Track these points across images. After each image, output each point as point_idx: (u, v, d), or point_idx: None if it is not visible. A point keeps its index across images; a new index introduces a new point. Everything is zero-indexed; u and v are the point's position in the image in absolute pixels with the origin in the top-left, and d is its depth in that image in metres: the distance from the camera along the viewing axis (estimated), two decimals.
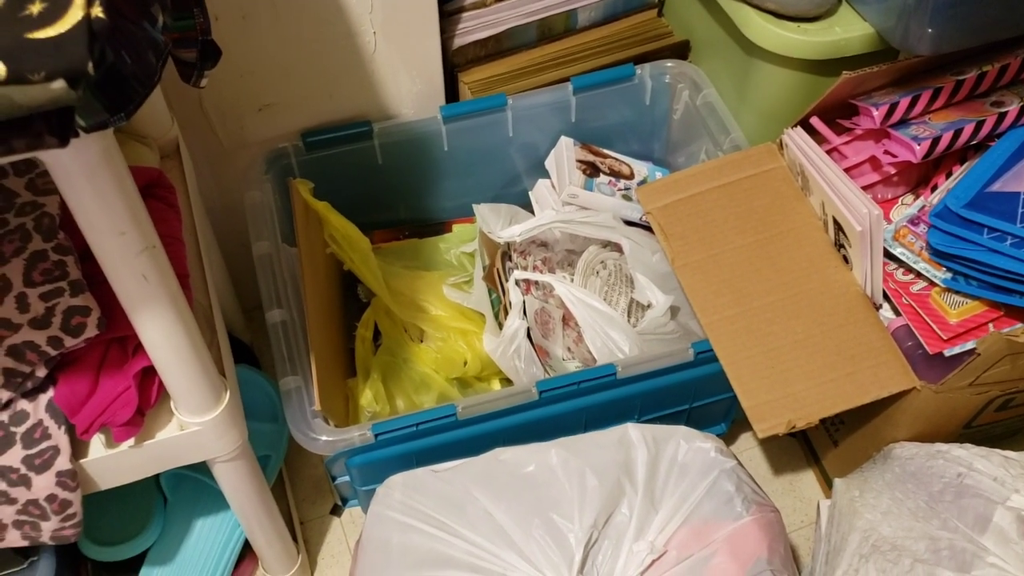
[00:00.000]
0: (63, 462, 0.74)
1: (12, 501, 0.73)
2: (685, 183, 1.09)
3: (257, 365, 1.27)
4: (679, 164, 1.29)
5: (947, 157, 1.04)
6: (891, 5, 0.98)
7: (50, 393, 0.74)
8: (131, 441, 0.78)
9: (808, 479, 1.25)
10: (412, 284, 1.23)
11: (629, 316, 1.10)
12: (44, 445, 0.73)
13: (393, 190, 1.26)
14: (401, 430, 0.96)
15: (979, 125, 0.98)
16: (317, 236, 1.15)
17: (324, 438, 0.93)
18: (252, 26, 1.02)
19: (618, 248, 1.14)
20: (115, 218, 0.59)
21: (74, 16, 0.42)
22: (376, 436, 0.95)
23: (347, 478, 1.03)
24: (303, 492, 1.23)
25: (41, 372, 0.73)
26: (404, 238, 1.32)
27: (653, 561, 0.86)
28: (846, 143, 1.06)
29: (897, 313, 0.99)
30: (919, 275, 0.98)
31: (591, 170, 1.23)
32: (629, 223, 1.19)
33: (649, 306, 1.07)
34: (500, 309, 1.16)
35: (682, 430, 0.95)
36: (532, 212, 1.29)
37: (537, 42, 1.24)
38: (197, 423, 0.79)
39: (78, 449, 0.77)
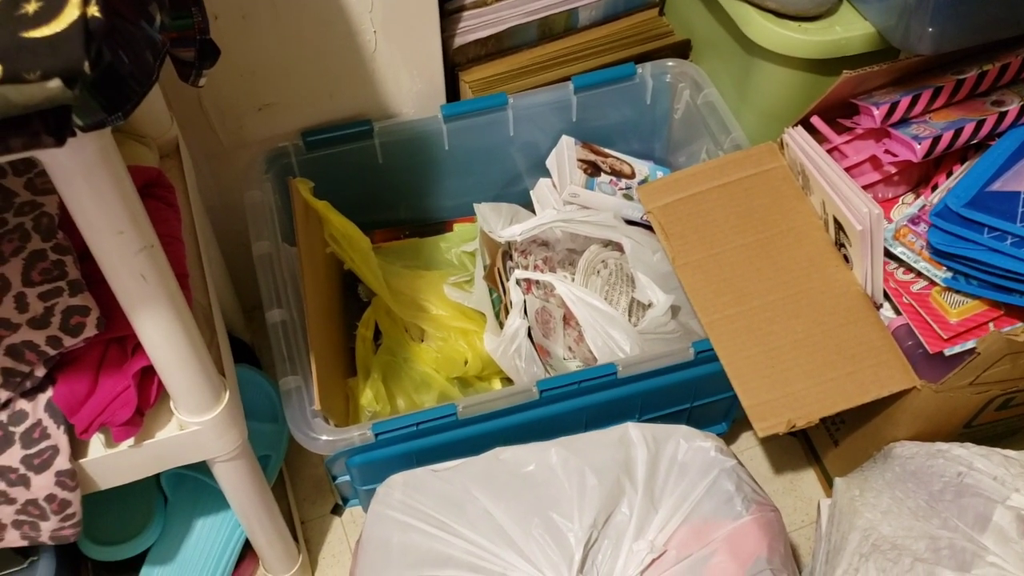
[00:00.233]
0: (62, 462, 0.74)
1: (11, 501, 0.73)
2: (686, 182, 1.09)
3: (258, 365, 1.27)
4: (680, 163, 1.29)
5: (947, 156, 1.04)
6: (892, 4, 0.98)
7: (49, 393, 0.74)
8: (130, 441, 0.78)
9: (809, 478, 1.25)
10: (413, 283, 1.23)
11: (630, 315, 1.10)
12: (43, 445, 0.73)
13: (394, 189, 1.26)
14: (401, 430, 0.95)
15: (979, 124, 0.98)
16: (317, 235, 1.15)
17: (324, 438, 0.93)
18: (252, 25, 1.02)
19: (619, 247, 1.14)
20: (113, 217, 0.59)
21: (70, 15, 0.42)
22: (376, 436, 0.95)
23: (347, 478, 1.03)
24: (304, 491, 1.23)
25: (40, 372, 0.73)
26: (405, 237, 1.32)
27: (653, 560, 0.86)
28: (847, 142, 1.06)
29: (897, 312, 0.99)
30: (919, 274, 0.98)
31: (592, 169, 1.23)
32: (630, 222, 1.19)
33: (650, 305, 1.07)
34: (501, 308, 1.16)
35: (682, 429, 0.95)
36: (533, 211, 1.29)
37: (538, 41, 1.24)
38: (197, 423, 0.79)
39: (77, 449, 0.77)
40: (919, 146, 0.96)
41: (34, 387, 0.74)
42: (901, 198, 1.07)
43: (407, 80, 1.15)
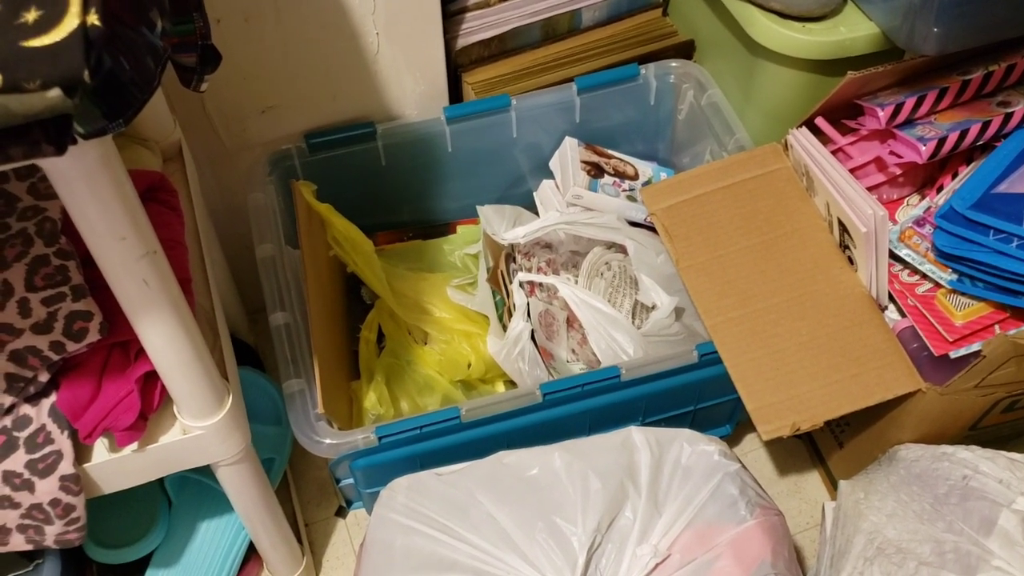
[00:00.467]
0: (66, 467, 0.74)
1: (16, 505, 0.74)
2: (689, 184, 1.09)
3: (261, 367, 1.27)
4: (684, 164, 1.29)
5: (953, 158, 1.03)
6: (897, 4, 0.97)
7: (53, 398, 0.74)
8: (134, 446, 0.78)
9: (813, 481, 1.24)
10: (416, 286, 1.23)
11: (633, 318, 1.10)
12: (47, 450, 0.74)
13: (397, 192, 1.26)
14: (405, 433, 0.95)
15: (985, 125, 0.97)
16: (320, 238, 1.15)
17: (328, 441, 0.93)
18: (255, 28, 1.01)
19: (622, 249, 1.13)
20: (115, 223, 0.59)
21: (70, 24, 0.41)
22: (380, 439, 0.94)
23: (351, 480, 1.03)
24: (307, 494, 1.23)
25: (43, 377, 0.73)
26: (408, 240, 1.32)
27: (656, 565, 0.86)
28: (851, 143, 1.05)
29: (902, 315, 0.98)
30: (925, 276, 0.97)
31: (595, 171, 1.23)
32: (633, 224, 1.19)
33: (653, 308, 1.07)
34: (504, 311, 1.16)
35: (685, 433, 0.94)
36: (536, 213, 1.29)
37: (541, 42, 1.24)
38: (200, 427, 0.79)
39: (81, 453, 0.77)
40: (924, 147, 0.96)
41: (38, 392, 0.74)
42: (906, 200, 1.06)
43: (410, 82, 1.15)
